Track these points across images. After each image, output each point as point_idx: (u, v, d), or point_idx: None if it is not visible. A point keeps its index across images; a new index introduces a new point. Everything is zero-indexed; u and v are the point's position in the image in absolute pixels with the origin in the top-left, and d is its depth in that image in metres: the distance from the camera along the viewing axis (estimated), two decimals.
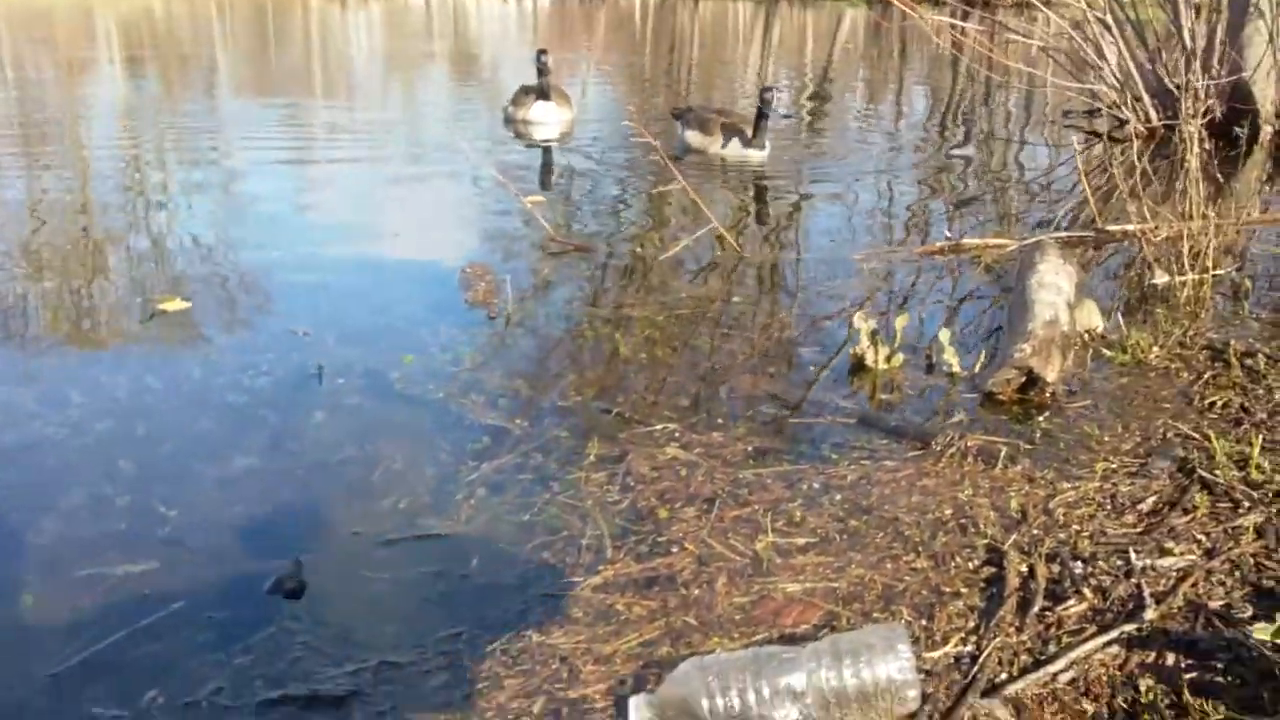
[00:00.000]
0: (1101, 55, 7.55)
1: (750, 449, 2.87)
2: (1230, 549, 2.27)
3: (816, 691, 1.78)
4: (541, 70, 8.19)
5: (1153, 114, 7.50)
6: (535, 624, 2.12)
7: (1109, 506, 2.52)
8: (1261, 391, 3.10)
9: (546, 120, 8.23)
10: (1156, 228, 4.51)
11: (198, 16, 21.53)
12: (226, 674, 1.99)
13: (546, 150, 7.60)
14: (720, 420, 3.05)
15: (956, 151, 7.55)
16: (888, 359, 3.40)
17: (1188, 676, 1.84)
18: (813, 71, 15.07)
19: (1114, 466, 2.72)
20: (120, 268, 4.67)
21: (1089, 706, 1.82)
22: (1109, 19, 7.41)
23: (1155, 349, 3.45)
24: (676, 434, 2.96)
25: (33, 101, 9.84)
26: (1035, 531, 2.40)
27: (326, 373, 3.41)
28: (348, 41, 19.59)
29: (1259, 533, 2.33)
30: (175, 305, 4.06)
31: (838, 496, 2.60)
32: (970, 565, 2.29)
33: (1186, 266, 4.06)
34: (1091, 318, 3.71)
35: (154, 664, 2.03)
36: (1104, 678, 1.88)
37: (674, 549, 2.38)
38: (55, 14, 20.36)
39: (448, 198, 6.28)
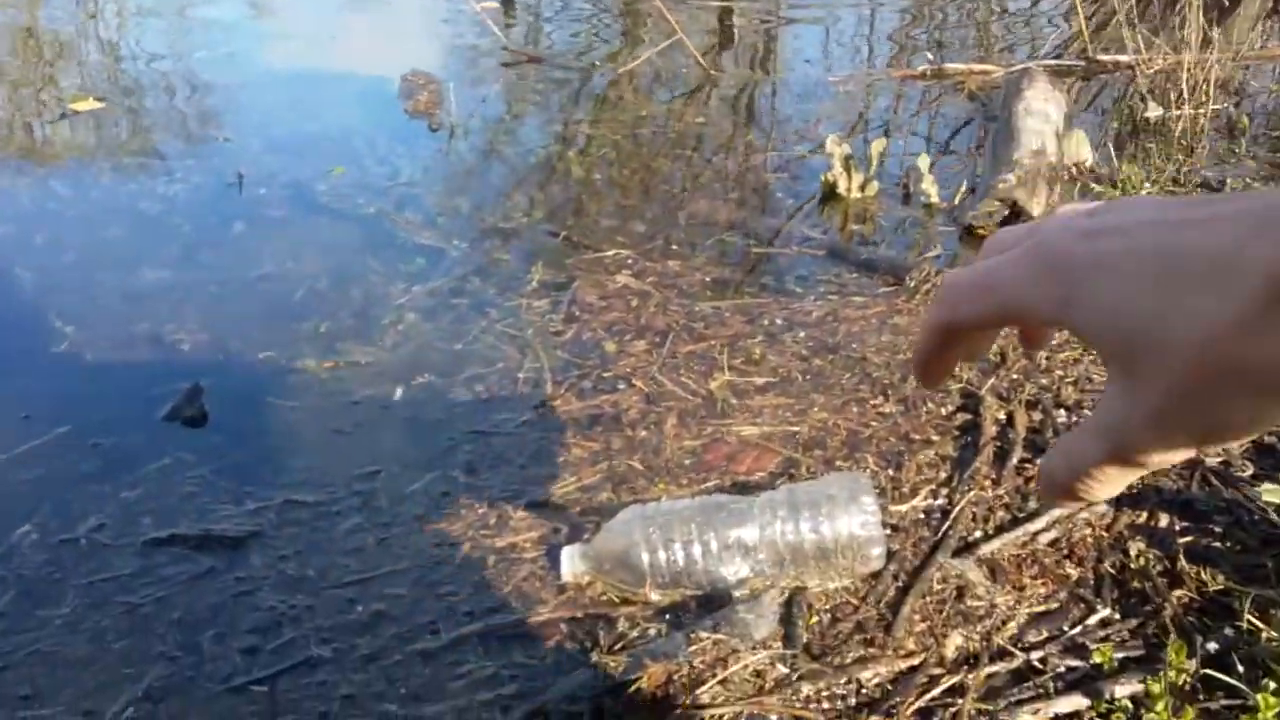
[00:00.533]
0: None
1: (709, 280, 2.63)
2: None
3: (770, 546, 1.59)
4: None
5: None
6: (462, 464, 1.90)
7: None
8: None
9: None
10: (1151, 59, 4.21)
11: None
12: (110, 509, 1.77)
13: None
14: (677, 248, 2.80)
15: None
16: (861, 187, 3.13)
17: (1182, 540, 1.66)
18: None
19: None
20: (30, 66, 4.26)
21: (1072, 571, 1.65)
22: None
23: (1147, 185, 3.21)
24: (629, 261, 2.70)
25: None
26: (1014, 376, 2.20)
27: (248, 182, 3.10)
28: None
29: None
30: (87, 105, 3.70)
31: (802, 334, 2.38)
32: (943, 411, 2.09)
33: (1185, 98, 3.79)
34: (1080, 149, 3.44)
35: (30, 494, 1.81)
36: (1089, 540, 1.71)
37: (620, 386, 2.16)
38: None
39: (393, 2, 5.82)
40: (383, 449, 1.93)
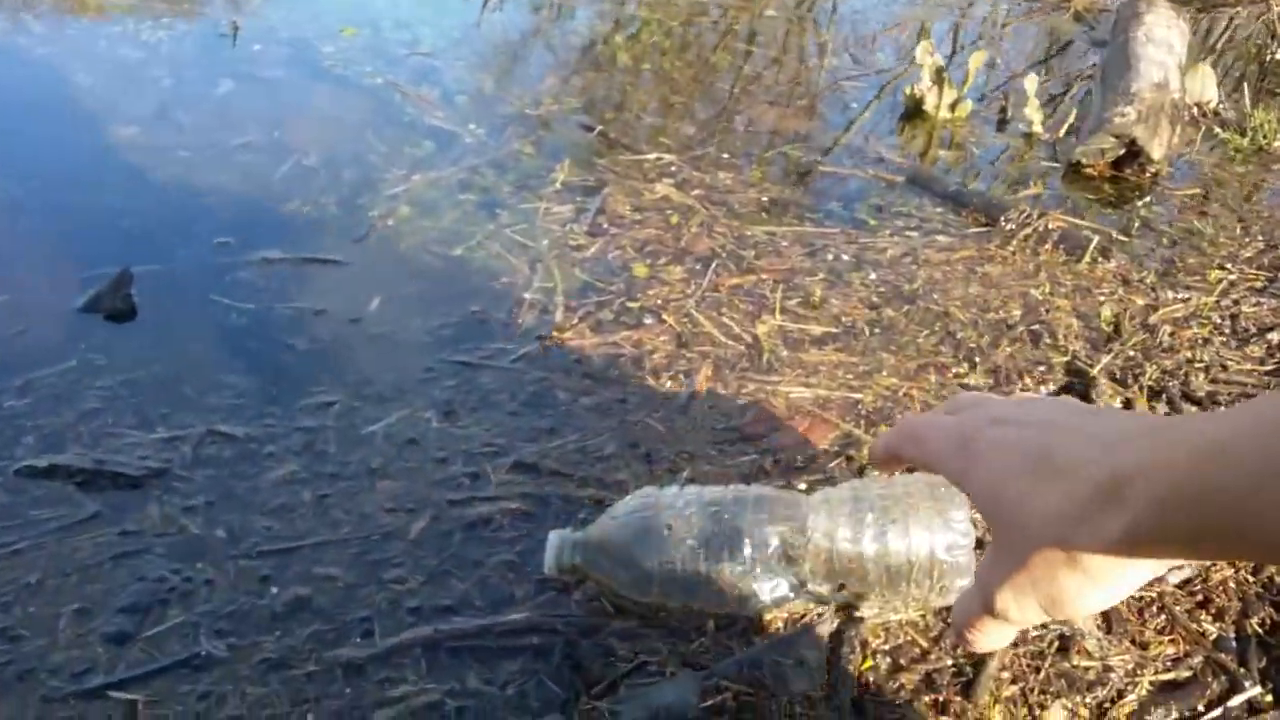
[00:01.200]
0: None
1: (765, 199, 2.21)
2: None
3: (822, 558, 1.20)
4: None
5: None
6: (439, 403, 1.51)
7: (1228, 330, 1.89)
8: None
9: None
10: None
11: None
12: None
13: None
14: (730, 157, 2.37)
15: None
16: (953, 106, 2.68)
17: None
18: None
19: (1233, 278, 2.07)
20: None
21: (1210, 626, 1.24)
22: None
23: None
24: (673, 168, 2.28)
25: None
26: (1132, 354, 1.79)
27: (243, 35, 2.68)
28: None
29: None
30: None
31: (872, 275, 1.96)
32: (1045, 391, 1.68)
33: None
34: (1206, 89, 2.96)
35: None
36: (1231, 584, 1.31)
37: (648, 320, 1.76)
38: None
39: None
40: (342, 374, 1.55)
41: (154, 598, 1.16)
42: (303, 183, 2.09)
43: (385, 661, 1.12)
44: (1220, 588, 1.31)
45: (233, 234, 1.87)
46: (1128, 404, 1.64)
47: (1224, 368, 1.77)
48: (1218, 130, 2.80)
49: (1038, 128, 2.62)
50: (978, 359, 1.74)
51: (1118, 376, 1.71)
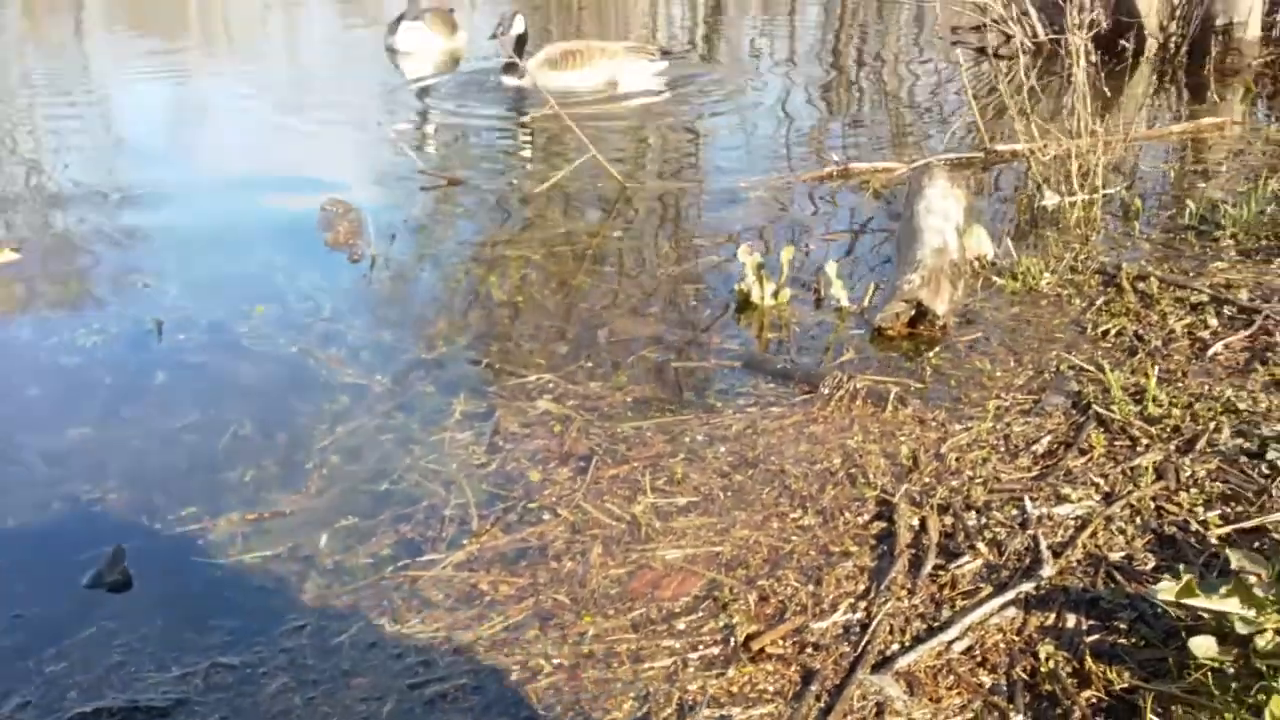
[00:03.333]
0: None
1: (630, 400, 2.68)
2: (1129, 492, 2.16)
3: None
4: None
5: (1039, 28, 7.40)
6: (389, 611, 1.91)
7: (1003, 449, 2.40)
8: (1155, 317, 3.01)
9: (413, 49, 7.30)
10: (1045, 146, 4.39)
11: None
12: (36, 684, 1.76)
13: (422, 79, 7.09)
14: (598, 368, 2.86)
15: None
16: (774, 294, 3.23)
17: (1089, 639, 1.73)
18: None
19: (1007, 404, 2.60)
20: None
21: (986, 678, 1.69)
22: None
23: (1047, 275, 3.33)
24: (551, 385, 2.75)
25: None
26: (927, 479, 2.27)
27: (168, 327, 3.12)
28: None
29: (1159, 473, 2.23)
30: (3, 256, 3.70)
31: (722, 449, 2.43)
32: (860, 520, 2.15)
33: (1076, 186, 3.96)
34: (981, 244, 3.58)
35: None
36: (1001, 645, 1.76)
37: (545, 516, 2.19)
38: None
39: (313, 132, 5.89)
40: (309, 602, 1.94)
41: None
42: (243, 450, 2.50)
43: None
44: (993, 649, 1.76)
45: (195, 504, 2.27)
46: (923, 522, 2.11)
47: (998, 479, 2.27)
48: (994, 278, 3.39)
49: (845, 302, 3.17)
50: (809, 504, 2.20)
51: (915, 499, 2.19)
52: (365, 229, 3.90)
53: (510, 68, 6.31)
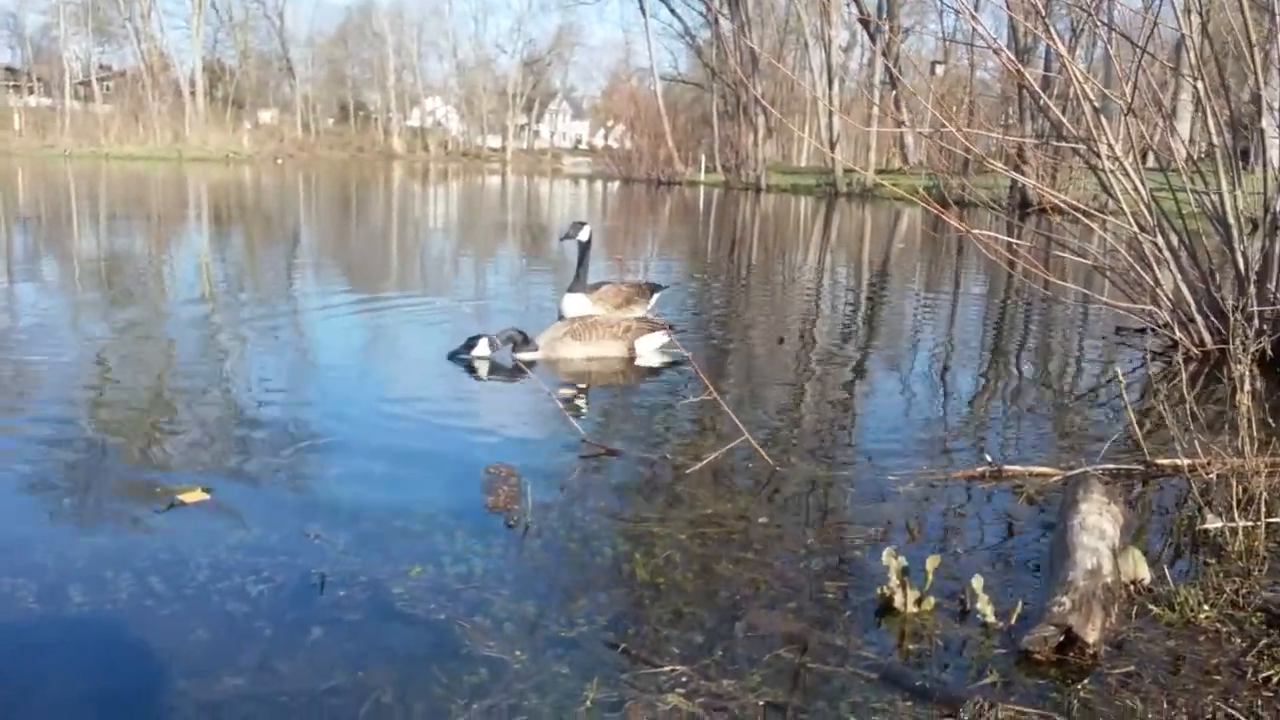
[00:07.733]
0: (1153, 274, 7.43)
1: (762, 703, 2.68)
2: None
3: None
4: (569, 236, 7.84)
5: (1206, 336, 7.33)
6: None
7: None
8: None
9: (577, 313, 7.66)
10: (1208, 464, 4.31)
11: (285, 187, 22.40)
12: None
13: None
14: (733, 664, 2.87)
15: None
16: (918, 602, 3.21)
17: None
18: (870, 269, 15.22)
19: None
20: (147, 445, 4.65)
21: None
22: (1159, 241, 7.33)
23: (1205, 608, 3.22)
24: (684, 679, 2.77)
25: (123, 255, 10.14)
26: None
27: (330, 582, 3.29)
28: (425, 215, 20.30)
29: None
30: (195, 496, 4.00)
31: None
32: None
33: (1238, 513, 3.85)
34: (1138, 568, 3.49)
35: None
36: None
37: None
38: (151, 179, 21.29)
39: (488, 389, 6.26)
40: None
41: None
42: (382, 718, 2.58)
43: None
44: None
45: None
46: None
47: None
48: (1150, 606, 3.29)
49: (991, 618, 3.12)
50: None
51: None
52: (524, 494, 4.07)
53: (524, 341, 6.71)
